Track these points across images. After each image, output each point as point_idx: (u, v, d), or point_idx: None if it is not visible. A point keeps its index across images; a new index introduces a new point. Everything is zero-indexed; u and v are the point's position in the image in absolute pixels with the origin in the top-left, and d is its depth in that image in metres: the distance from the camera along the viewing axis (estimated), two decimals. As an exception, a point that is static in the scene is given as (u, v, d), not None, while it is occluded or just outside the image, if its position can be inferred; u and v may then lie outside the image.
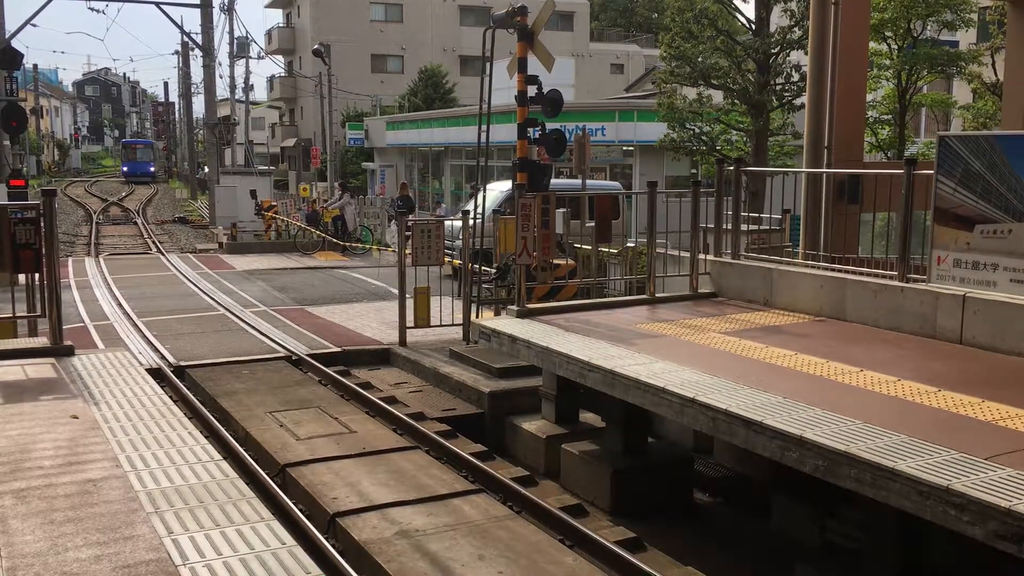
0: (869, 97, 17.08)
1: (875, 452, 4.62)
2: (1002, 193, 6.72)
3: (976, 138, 7.24)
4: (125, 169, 67.38)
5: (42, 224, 7.46)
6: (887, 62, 19.06)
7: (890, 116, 19.91)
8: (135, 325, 12.35)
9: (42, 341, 8.05)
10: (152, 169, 68.11)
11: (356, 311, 13.62)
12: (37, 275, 7.71)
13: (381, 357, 10.94)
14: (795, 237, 10.76)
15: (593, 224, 10.08)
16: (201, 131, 55.90)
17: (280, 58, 59.38)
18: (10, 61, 18.71)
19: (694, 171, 24.14)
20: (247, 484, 5.04)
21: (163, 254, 23.04)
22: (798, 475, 5.12)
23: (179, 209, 40.90)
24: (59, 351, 7.74)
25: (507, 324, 8.35)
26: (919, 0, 17.72)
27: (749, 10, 18.62)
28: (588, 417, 8.47)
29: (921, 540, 5.16)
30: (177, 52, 57.43)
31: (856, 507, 5.53)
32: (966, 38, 23.07)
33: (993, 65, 19.68)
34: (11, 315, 8.21)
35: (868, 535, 5.50)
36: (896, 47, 19.04)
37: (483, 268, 11.54)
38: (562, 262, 10.86)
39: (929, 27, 19.13)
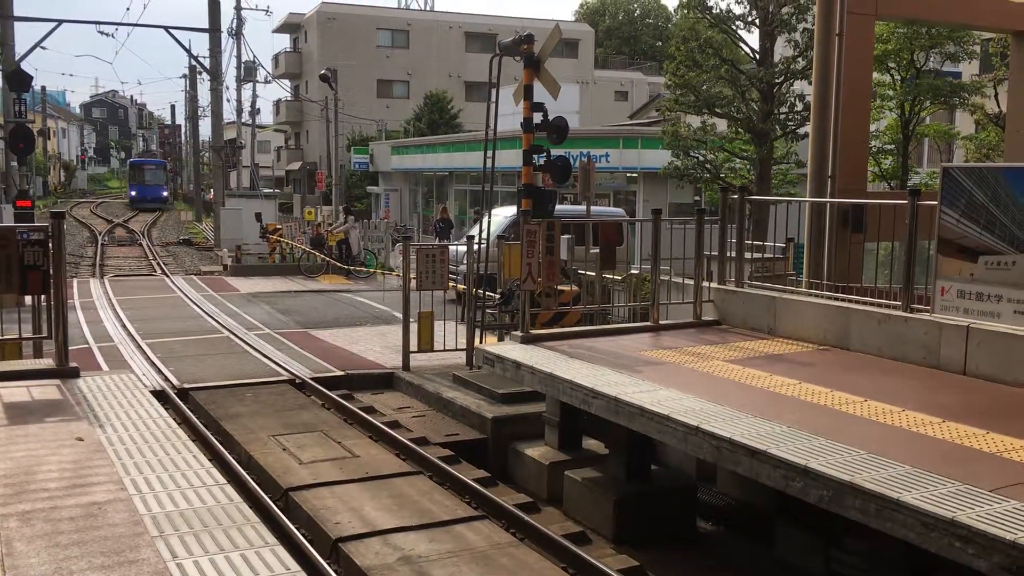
0: (872, 127, 17.17)
1: (880, 483, 4.62)
2: (1006, 225, 6.75)
3: (980, 170, 7.28)
4: (133, 194, 59.27)
5: (50, 246, 7.50)
6: (890, 92, 19.16)
7: (893, 146, 19.98)
8: (139, 347, 12.37)
9: (47, 362, 8.06)
10: (165, 194, 61.03)
11: (360, 335, 13.64)
12: (43, 296, 7.75)
13: (384, 381, 10.95)
14: (799, 266, 10.79)
15: (597, 250, 10.12)
16: (207, 154, 56.20)
17: (287, 82, 59.77)
18: (19, 83, 18.86)
19: (698, 198, 24.23)
20: (251, 508, 5.03)
21: (168, 276, 23.11)
22: (802, 505, 5.11)
23: (184, 231, 41.07)
24: (64, 372, 7.76)
25: (511, 350, 8.36)
26: (922, 32, 17.83)
27: (753, 40, 18.80)
28: (591, 444, 8.46)
29: (926, 571, 5.14)
30: (185, 76, 57.74)
31: (861, 537, 5.52)
32: (969, 69, 23.18)
33: (996, 96, 19.78)
34: (17, 336, 8.23)
35: (873, 565, 5.48)
36: (899, 78, 19.15)
37: (487, 293, 11.57)
38: (566, 288, 10.89)
39: (932, 58, 19.24)
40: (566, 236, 11.05)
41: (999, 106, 19.35)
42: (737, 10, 18.35)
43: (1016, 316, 6.70)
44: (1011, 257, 6.73)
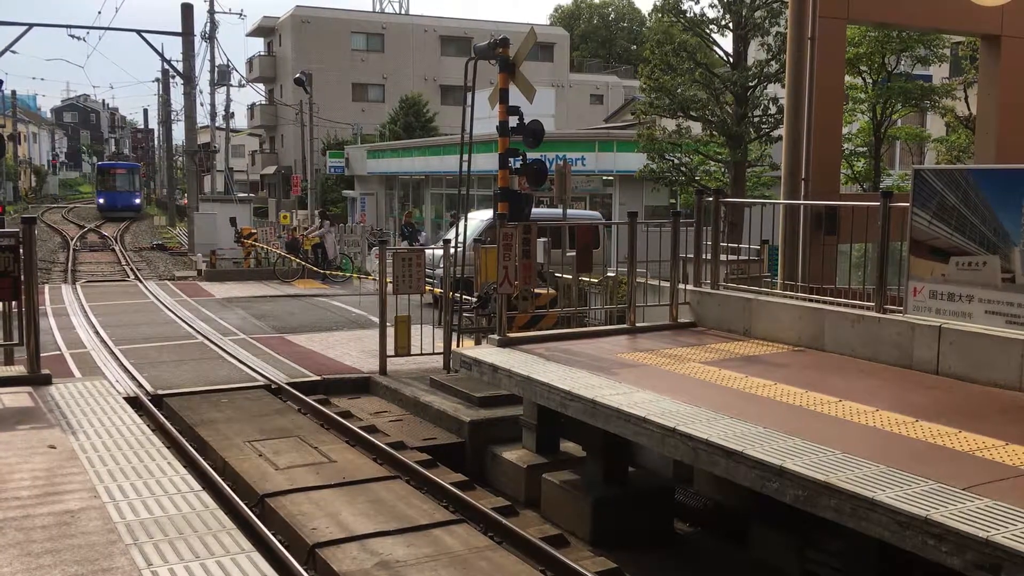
0: (845, 130, 17.32)
1: (854, 482, 4.66)
2: (976, 226, 6.83)
3: (951, 171, 7.37)
4: (101, 201, 53.93)
5: (21, 252, 7.42)
6: (862, 96, 19.36)
7: (865, 149, 20.18)
8: (112, 353, 12.24)
9: (19, 369, 7.97)
10: (137, 201, 55.41)
11: (336, 339, 13.58)
12: (14, 303, 7.66)
13: (361, 386, 10.90)
14: (773, 267, 10.87)
15: (574, 253, 10.14)
16: (181, 158, 55.72)
17: (261, 86, 59.48)
18: (-11, 87, 18.65)
19: (673, 201, 24.34)
20: (226, 515, 5.00)
21: (141, 281, 22.90)
22: (778, 505, 5.14)
23: (157, 236, 40.72)
24: (36, 380, 7.68)
25: (488, 353, 8.36)
26: (893, 35, 18.04)
27: (727, 44, 19.00)
28: (569, 447, 8.47)
29: (900, 569, 5.19)
30: (157, 79, 57.18)
31: (836, 537, 5.56)
32: (939, 73, 23.48)
33: (966, 99, 20.03)
34: (-12, 343, 8.13)
35: (848, 564, 5.52)
36: (871, 81, 19.36)
37: (464, 297, 11.56)
38: (543, 291, 10.90)
39: (903, 62, 19.47)
40: (542, 239, 11.07)
41: (969, 108, 19.59)
42: (711, 14, 18.51)
43: (987, 316, 6.78)
44: (982, 258, 6.82)
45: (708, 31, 18.80)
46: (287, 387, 10.38)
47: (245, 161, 68.16)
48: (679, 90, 18.71)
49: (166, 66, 45.09)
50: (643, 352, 8.29)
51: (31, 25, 30.61)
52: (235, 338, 13.64)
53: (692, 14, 18.57)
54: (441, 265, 11.25)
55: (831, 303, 8.28)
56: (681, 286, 9.55)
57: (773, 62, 17.90)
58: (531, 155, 11.44)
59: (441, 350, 10.94)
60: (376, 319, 11.43)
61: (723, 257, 9.83)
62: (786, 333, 8.44)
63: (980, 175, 6.99)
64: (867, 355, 7.60)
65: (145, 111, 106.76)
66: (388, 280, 10.95)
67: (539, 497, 7.87)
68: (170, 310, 16.78)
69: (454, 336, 11.00)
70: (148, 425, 7.28)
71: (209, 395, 10.14)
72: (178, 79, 38.74)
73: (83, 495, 5.05)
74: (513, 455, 8.49)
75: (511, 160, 11.10)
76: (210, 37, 44.25)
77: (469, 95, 11.40)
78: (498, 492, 8.08)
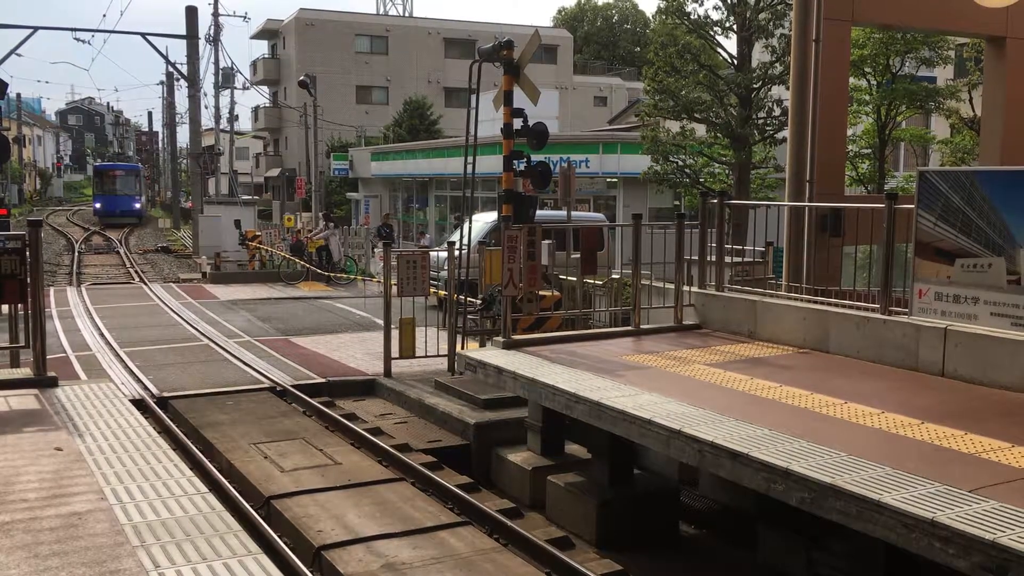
0: (849, 132, 17.31)
1: (861, 484, 4.65)
2: (981, 228, 6.83)
3: (955, 173, 7.36)
4: (98, 206, 50.68)
5: (27, 254, 7.44)
6: (867, 97, 19.33)
7: (870, 150, 20.16)
8: (118, 356, 12.27)
9: (25, 372, 7.99)
10: (138, 206, 52.29)
11: (341, 341, 13.59)
12: (20, 305, 7.68)
13: (366, 388, 10.92)
14: (778, 269, 10.86)
15: (578, 255, 10.14)
16: (185, 161, 55.79)
17: (265, 88, 59.54)
18: (-5, 90, 18.64)
19: (677, 203, 24.32)
20: (233, 517, 5.01)
21: (146, 284, 22.94)
22: (784, 507, 5.14)
23: (162, 239, 40.80)
24: (42, 382, 7.70)
25: (493, 355, 8.36)
26: (897, 37, 18.01)
27: (731, 45, 18.92)
28: (574, 448, 8.47)
29: (907, 572, 5.18)
30: (162, 82, 57.37)
31: (842, 539, 5.55)
32: (944, 74, 23.44)
33: (970, 100, 19.99)
34: (-6, 346, 8.16)
35: (855, 567, 5.51)
36: (875, 83, 19.33)
37: (468, 299, 11.56)
38: (547, 293, 10.90)
39: (907, 63, 19.44)
40: (547, 241, 11.06)
41: (974, 110, 19.56)
42: (715, 16, 18.49)
43: (992, 318, 6.78)
44: (987, 259, 6.81)
45: (712, 33, 18.79)
46: (292, 389, 10.40)
47: (249, 164, 68.21)
48: (683, 92, 18.69)
49: (170, 69, 45.21)
50: (648, 354, 8.29)
51: (36, 28, 30.74)
52: (240, 340, 13.66)
53: (696, 16, 18.56)
54: (446, 267, 11.25)
55: (836, 305, 8.28)
56: (686, 288, 9.55)
57: (777, 64, 17.89)
58: (535, 157, 11.44)
59: (446, 352, 10.95)
60: (380, 321, 11.44)
61: (728, 259, 9.82)
62: (791, 335, 8.43)
63: (985, 177, 6.98)
64: (872, 357, 7.59)
65: (149, 114, 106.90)
66: (393, 282, 10.96)
67: (544, 499, 7.87)
68: (175, 312, 16.81)
69: (459, 338, 11.00)
70: (154, 427, 7.29)
71: (214, 397, 10.16)
72: (182, 82, 38.85)
73: (90, 497, 5.06)
74: (518, 457, 8.50)
75: (515, 162, 11.11)
76: (214, 40, 44.36)
77: (473, 97, 11.42)
78: (503, 494, 8.08)
